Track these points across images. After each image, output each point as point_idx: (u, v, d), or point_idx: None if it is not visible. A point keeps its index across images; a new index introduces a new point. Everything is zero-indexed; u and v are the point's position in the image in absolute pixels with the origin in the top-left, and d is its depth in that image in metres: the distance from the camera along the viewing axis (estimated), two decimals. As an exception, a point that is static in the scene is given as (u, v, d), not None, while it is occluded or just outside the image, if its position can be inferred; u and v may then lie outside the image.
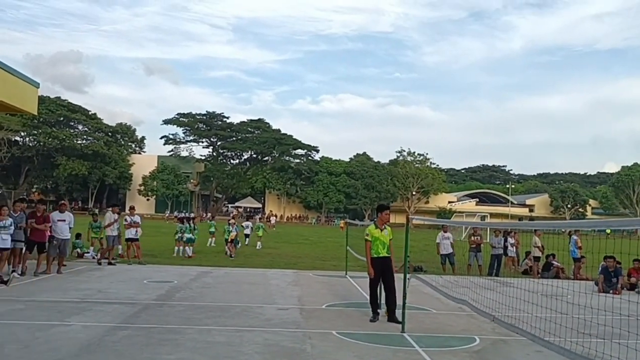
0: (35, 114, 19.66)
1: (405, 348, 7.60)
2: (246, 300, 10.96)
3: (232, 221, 22.40)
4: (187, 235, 20.17)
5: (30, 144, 78.68)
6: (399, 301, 8.90)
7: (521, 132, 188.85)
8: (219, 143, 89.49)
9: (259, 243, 26.48)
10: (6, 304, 9.56)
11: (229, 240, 21.33)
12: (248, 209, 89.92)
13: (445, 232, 18.44)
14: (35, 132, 76.72)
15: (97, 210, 29.68)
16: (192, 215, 30.85)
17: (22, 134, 77.36)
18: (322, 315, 9.88)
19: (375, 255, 9.50)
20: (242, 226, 27.57)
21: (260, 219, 34.67)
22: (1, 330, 7.59)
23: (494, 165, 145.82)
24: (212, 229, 26.64)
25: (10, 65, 16.33)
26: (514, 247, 19.55)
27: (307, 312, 9.99)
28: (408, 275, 8.78)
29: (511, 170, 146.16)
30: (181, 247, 20.42)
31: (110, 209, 17.90)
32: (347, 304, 11.14)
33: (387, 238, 9.56)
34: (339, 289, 13.23)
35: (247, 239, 27.73)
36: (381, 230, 9.59)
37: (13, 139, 75.27)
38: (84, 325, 8.14)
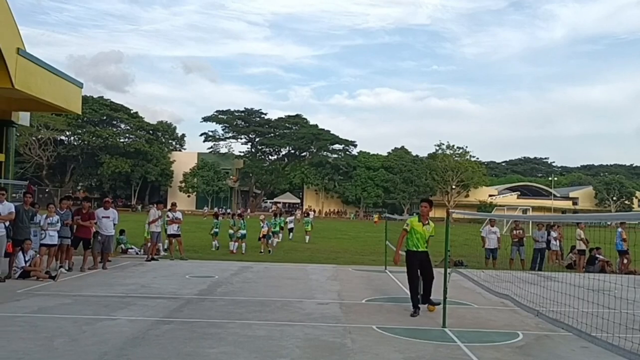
0: (80, 113, 20.19)
1: (447, 343, 7.52)
2: (286, 295, 11.02)
3: (262, 217, 22.61)
4: (242, 232, 20.41)
5: (75, 143, 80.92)
6: (439, 295, 8.80)
7: (563, 123, 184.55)
8: (257, 139, 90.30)
9: (307, 237, 27.82)
10: (54, 299, 9.85)
11: (260, 236, 21.26)
12: (287, 205, 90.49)
13: (492, 226, 18.16)
14: (80, 131, 78.87)
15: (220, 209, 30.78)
16: (241, 211, 31.36)
17: (67, 133, 79.66)
18: (362, 309, 9.87)
19: (414, 249, 9.43)
20: (287, 221, 28.59)
21: (303, 214, 35.19)
22: (50, 324, 7.82)
23: (535, 158, 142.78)
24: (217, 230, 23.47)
25: (55, 67, 16.79)
26: (558, 241, 19.12)
27: (346, 307, 9.99)
28: (449, 270, 8.68)
29: (554, 162, 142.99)
30: (215, 242, 21.34)
31: (154, 205, 18.25)
32: (387, 298, 11.09)
33: (429, 233, 9.48)
34: (379, 284, 13.19)
35: (291, 234, 28.59)
36: (423, 224, 9.48)
37: (59, 139, 77.54)
38: (129, 319, 8.33)
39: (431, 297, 9.41)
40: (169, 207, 19.37)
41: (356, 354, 6.80)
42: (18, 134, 42.85)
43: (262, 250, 20.69)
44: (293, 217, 31.32)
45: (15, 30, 14.52)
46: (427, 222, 9.57)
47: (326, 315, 9.19)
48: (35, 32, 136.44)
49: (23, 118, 19.91)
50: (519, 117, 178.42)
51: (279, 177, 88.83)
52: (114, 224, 14.90)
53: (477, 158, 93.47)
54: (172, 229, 17.68)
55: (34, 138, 71.83)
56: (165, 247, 18.96)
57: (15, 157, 22.89)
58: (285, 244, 25.34)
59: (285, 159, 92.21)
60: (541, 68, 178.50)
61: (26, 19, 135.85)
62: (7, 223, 11.83)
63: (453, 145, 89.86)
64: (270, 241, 21.52)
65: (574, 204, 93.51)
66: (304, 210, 76.57)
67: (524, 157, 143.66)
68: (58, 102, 17.00)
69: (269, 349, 6.86)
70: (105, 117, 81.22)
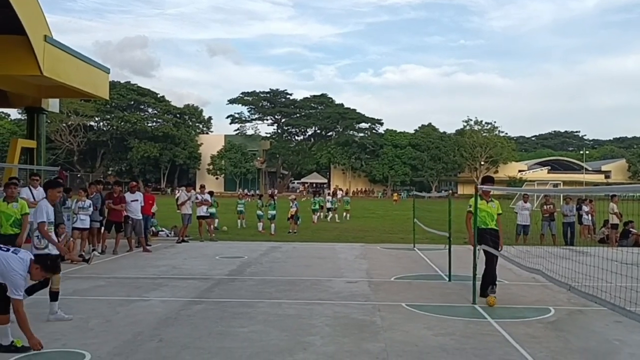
0: (107, 98, 20.42)
1: (477, 319, 7.48)
2: (315, 274, 11.08)
3: (292, 197, 22.72)
4: (272, 212, 20.59)
5: (104, 129, 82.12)
6: (466, 272, 8.72)
7: (595, 95, 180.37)
8: (283, 120, 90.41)
9: (348, 214, 29.22)
10: (88, 281, 10.08)
11: (289, 216, 21.41)
12: (314, 185, 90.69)
13: (525, 202, 17.89)
14: (108, 116, 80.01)
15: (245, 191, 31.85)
16: (271, 192, 31.93)
17: (96, 119, 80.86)
18: (391, 287, 9.87)
19: (484, 226, 8.91)
20: (327, 201, 29.88)
21: (331, 193, 35.80)
22: (85, 306, 8.01)
23: (566, 131, 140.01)
24: (241, 208, 23.88)
25: (82, 53, 16.96)
26: (589, 215, 18.79)
27: (375, 285, 10.00)
28: (478, 247, 8.59)
29: (585, 135, 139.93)
30: (242, 221, 22.10)
31: (183, 188, 18.45)
32: (416, 276, 11.07)
33: (495, 211, 9.01)
34: (407, 262, 13.16)
35: (330, 212, 29.05)
36: (487, 202, 9.13)
37: (88, 124, 78.75)
38: (161, 300, 8.48)
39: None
40: (197, 189, 19.60)
41: (386, 331, 6.81)
42: (48, 121, 43.68)
43: (290, 230, 20.82)
44: (333, 197, 32.14)
45: (43, 18, 14.69)
46: (490, 199, 9.12)
47: (355, 293, 9.22)
48: (62, 20, 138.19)
49: (53, 105, 20.23)
50: (549, 91, 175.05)
51: (306, 157, 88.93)
52: (142, 207, 15.10)
53: (506, 133, 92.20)
54: (202, 210, 17.87)
55: (64, 124, 73.09)
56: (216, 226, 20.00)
57: (47, 143, 23.35)
58: (315, 224, 25.44)
59: (312, 139, 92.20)
60: (572, 39, 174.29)
61: (53, 7, 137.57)
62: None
63: (481, 121, 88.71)
64: (328, 218, 21.61)
65: (607, 177, 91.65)
66: (332, 190, 76.69)
67: (555, 131, 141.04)
68: (86, 88, 17.22)
69: (299, 327, 6.91)
70: (132, 102, 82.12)
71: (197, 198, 18.12)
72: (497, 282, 8.81)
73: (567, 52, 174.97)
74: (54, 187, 7.51)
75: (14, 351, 5.75)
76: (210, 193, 20.83)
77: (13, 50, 14.10)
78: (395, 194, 66.77)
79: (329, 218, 28.50)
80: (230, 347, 6.06)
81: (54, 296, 7.10)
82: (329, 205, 29.20)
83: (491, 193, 9.30)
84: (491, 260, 8.74)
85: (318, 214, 27.14)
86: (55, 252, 7.16)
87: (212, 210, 19.52)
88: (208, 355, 5.81)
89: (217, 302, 8.44)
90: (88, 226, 13.51)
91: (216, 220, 20.57)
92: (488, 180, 9.60)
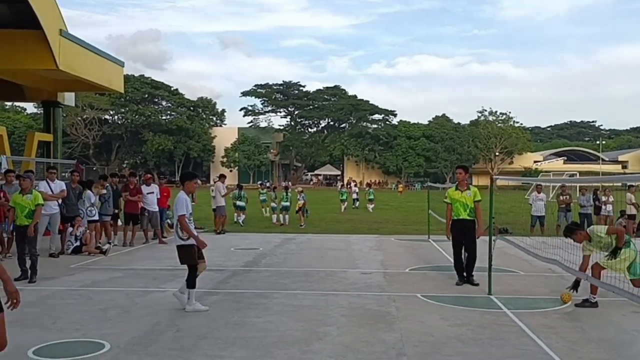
0: (122, 92, 20.57)
1: (493, 310, 7.47)
2: (330, 265, 11.11)
3: (299, 189, 22.68)
4: (285, 204, 20.66)
5: (119, 122, 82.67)
6: (484, 264, 8.71)
7: (611, 84, 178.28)
8: (296, 112, 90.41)
9: (371, 206, 29.90)
10: (106, 273, 10.19)
11: (297, 209, 20.88)
12: (328, 177, 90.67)
13: (538, 192, 17.78)
14: (123, 110, 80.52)
15: (263, 182, 32.64)
16: (285, 184, 32.37)
17: (111, 112, 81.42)
18: (406, 278, 9.87)
19: (455, 217, 9.31)
20: (354, 192, 31.96)
21: (344, 185, 36.45)
22: (104, 297, 8.11)
23: (582, 121, 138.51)
24: (264, 198, 24.44)
25: (96, 47, 17.06)
26: (607, 206, 18.60)
27: (390, 276, 10.01)
28: (494, 237, 8.57)
29: (601, 125, 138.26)
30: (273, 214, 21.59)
31: (218, 179, 18.39)
32: (431, 267, 11.06)
33: (470, 200, 9.24)
34: (422, 253, 13.15)
35: (357, 202, 31.52)
36: (462, 191, 9.34)
37: (103, 118, 79.33)
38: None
39: (472, 275, 9.17)
40: (211, 181, 19.68)
41: (401, 321, 6.83)
42: (64, 115, 44.04)
43: (302, 224, 20.28)
44: (356, 188, 34.02)
45: (58, 13, 14.80)
46: (465, 188, 9.40)
47: (370, 284, 9.24)
48: (76, 14, 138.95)
49: (68, 99, 20.39)
50: (564, 80, 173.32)
51: (319, 149, 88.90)
52: (157, 199, 15.17)
53: (521, 124, 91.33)
54: (222, 202, 17.93)
55: (79, 118, 73.68)
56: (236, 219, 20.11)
57: (63, 137, 23.57)
58: (328, 216, 25.50)
59: (325, 131, 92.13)
60: (587, 28, 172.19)
61: (67, 1, 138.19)
62: (60, 201, 12.24)
63: (496, 111, 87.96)
64: (307, 214, 21.26)
65: (624, 167, 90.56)
66: (345, 182, 76.62)
67: (570, 121, 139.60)
68: (101, 82, 17.34)
69: (315, 318, 6.95)
70: (146, 95, 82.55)
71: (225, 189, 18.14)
72: (464, 275, 9.24)
73: (582, 41, 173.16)
74: (191, 179, 7.65)
75: None
76: (240, 187, 21.17)
77: (29, 45, 14.24)
78: (400, 185, 66.45)
79: (355, 205, 30.96)
80: (247, 337, 6.11)
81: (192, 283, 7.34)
82: (354, 196, 31.61)
83: (465, 182, 9.50)
84: (456, 251, 9.33)
85: (345, 204, 29.60)
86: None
87: (242, 203, 20.42)
88: (225, 345, 5.86)
89: (233, 292, 8.51)
90: (97, 218, 13.42)
91: (242, 215, 20.70)
92: (461, 168, 9.80)
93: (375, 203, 30.92)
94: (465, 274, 9.27)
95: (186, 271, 7.42)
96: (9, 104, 74.55)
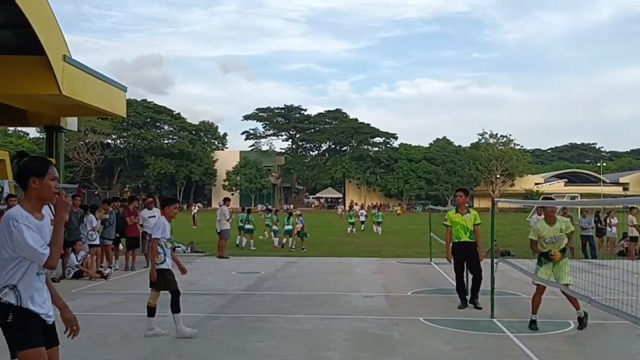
0: (125, 116, 20.68)
1: (496, 334, 7.42)
2: (332, 289, 11.06)
3: (297, 212, 22.65)
4: (288, 227, 20.60)
5: (121, 146, 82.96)
6: (487, 287, 8.69)
7: (611, 106, 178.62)
8: (297, 135, 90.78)
9: (379, 228, 30.50)
10: (107, 297, 10.15)
11: (296, 232, 20.58)
12: (329, 200, 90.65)
13: (539, 215, 17.77)
14: (125, 134, 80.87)
15: (260, 206, 32.87)
16: (291, 208, 32.75)
17: (113, 136, 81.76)
18: (408, 302, 9.82)
19: (455, 240, 9.31)
20: (361, 214, 33.12)
21: (352, 208, 37.05)
22: (104, 322, 8.07)
23: (582, 144, 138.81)
24: (268, 222, 24.25)
25: (99, 72, 17.21)
26: (613, 228, 18.57)
27: (392, 300, 9.96)
28: (496, 260, 8.55)
29: (602, 147, 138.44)
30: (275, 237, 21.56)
31: (223, 203, 18.37)
32: (433, 290, 11.01)
33: (470, 222, 9.26)
34: (424, 276, 13.09)
35: (363, 225, 32.43)
36: (462, 214, 9.36)
37: (105, 142, 79.64)
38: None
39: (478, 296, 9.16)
40: (213, 205, 19.69)
41: (403, 345, 6.78)
42: (67, 139, 44.31)
43: (303, 247, 20.13)
44: (364, 210, 35.79)
45: (61, 38, 14.96)
46: (465, 211, 9.41)
47: (372, 308, 9.19)
48: (79, 39, 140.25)
49: (71, 123, 20.49)
50: (564, 103, 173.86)
51: (321, 172, 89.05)
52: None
53: (522, 146, 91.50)
54: (227, 225, 17.94)
55: (81, 142, 73.97)
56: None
57: (65, 161, 23.67)
58: (330, 239, 25.44)
59: (326, 154, 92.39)
60: (587, 51, 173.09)
61: (71, 27, 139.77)
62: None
63: (496, 134, 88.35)
64: (305, 238, 21.08)
65: (625, 189, 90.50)
66: (348, 205, 76.57)
67: (571, 144, 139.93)
68: (104, 107, 17.45)
69: (317, 342, 6.90)
70: (149, 120, 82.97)
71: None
72: (467, 298, 9.27)
73: (583, 64, 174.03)
74: (170, 204, 7.68)
75: None
76: (248, 210, 21.28)
77: (33, 70, 14.36)
78: (399, 208, 66.37)
79: (362, 228, 31.86)
80: (249, 362, 6.07)
81: (152, 312, 7.30)
82: (362, 218, 32.58)
83: (466, 205, 9.55)
84: (458, 274, 9.36)
85: (353, 227, 30.25)
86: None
87: (250, 226, 20.75)
88: (226, 370, 5.82)
89: (235, 317, 8.47)
90: (98, 243, 13.45)
91: (251, 240, 20.88)
92: (462, 191, 9.85)
93: (383, 226, 31.33)
94: (470, 296, 9.26)
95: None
96: (11, 128, 74.93)
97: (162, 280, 7.31)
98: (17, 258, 3.38)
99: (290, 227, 20.55)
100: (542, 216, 13.49)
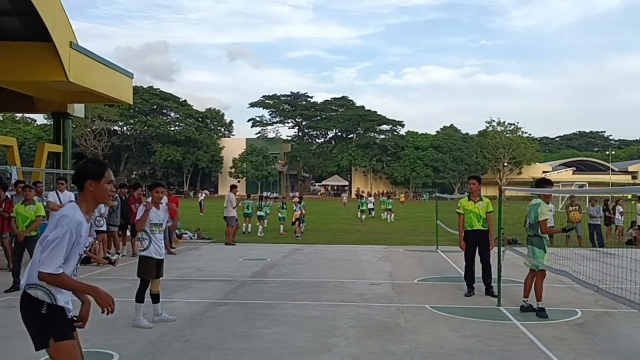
0: (131, 103, 20.73)
1: (503, 322, 7.41)
2: (338, 276, 11.08)
3: (295, 199, 22.66)
4: (281, 215, 21.16)
5: (128, 133, 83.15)
6: (493, 275, 8.70)
7: (621, 94, 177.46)
8: (304, 123, 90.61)
9: (390, 215, 31.20)
10: (115, 283, 10.22)
11: (294, 220, 20.59)
12: (335, 187, 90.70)
13: (547, 203, 17.70)
14: (132, 121, 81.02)
15: (265, 194, 32.97)
16: (299, 195, 32.94)
17: (120, 123, 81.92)
18: (415, 289, 9.83)
19: (468, 228, 9.29)
20: (369, 201, 33.72)
21: (363, 196, 37.26)
22: (112, 307, 8.11)
23: (591, 132, 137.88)
24: (262, 213, 22.82)
25: (106, 59, 17.20)
26: (622, 216, 18.49)
27: (399, 287, 9.97)
28: (503, 248, 8.53)
29: (610, 135, 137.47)
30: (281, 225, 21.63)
31: (231, 191, 18.43)
32: (440, 278, 11.01)
33: (483, 210, 9.24)
34: (431, 264, 13.09)
35: (372, 212, 33.43)
36: (475, 202, 9.33)
37: (112, 129, 79.82)
38: (186, 302, 8.56)
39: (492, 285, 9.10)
40: (221, 191, 19.73)
41: (410, 333, 6.79)
42: (74, 126, 44.43)
43: (297, 235, 19.89)
44: (372, 198, 36.97)
45: (68, 25, 14.94)
46: (478, 199, 9.39)
47: (378, 295, 9.20)
48: (85, 26, 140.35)
49: (78, 110, 20.53)
50: (573, 90, 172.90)
51: (327, 159, 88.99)
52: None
53: (530, 134, 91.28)
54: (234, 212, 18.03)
55: (88, 129, 74.19)
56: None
57: (72, 148, 23.73)
58: (336, 226, 25.48)
59: (333, 142, 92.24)
60: (596, 38, 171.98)
61: (77, 13, 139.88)
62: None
63: (504, 122, 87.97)
64: (302, 224, 21.01)
65: (634, 177, 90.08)
66: (354, 192, 76.56)
67: (579, 132, 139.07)
68: (110, 93, 17.47)
69: (323, 329, 6.92)
70: (155, 107, 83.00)
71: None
72: (474, 286, 9.25)
73: (592, 51, 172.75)
74: (152, 188, 7.63)
75: None
76: (260, 198, 21.55)
77: (40, 57, 14.39)
78: (402, 196, 66.30)
79: (371, 215, 32.57)
80: (255, 348, 6.10)
81: (155, 298, 7.29)
82: (370, 205, 33.19)
83: (474, 191, 9.50)
84: (468, 262, 9.30)
85: (364, 214, 30.64)
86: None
87: (262, 213, 21.48)
88: (233, 356, 5.85)
89: (241, 303, 8.50)
90: (105, 229, 13.49)
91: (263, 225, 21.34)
92: (470, 177, 9.92)
93: (394, 213, 31.95)
94: (485, 287, 9.23)
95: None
96: (19, 115, 75.24)
97: (139, 267, 7.27)
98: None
99: (281, 215, 21.38)
100: (550, 204, 13.45)
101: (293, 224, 20.61)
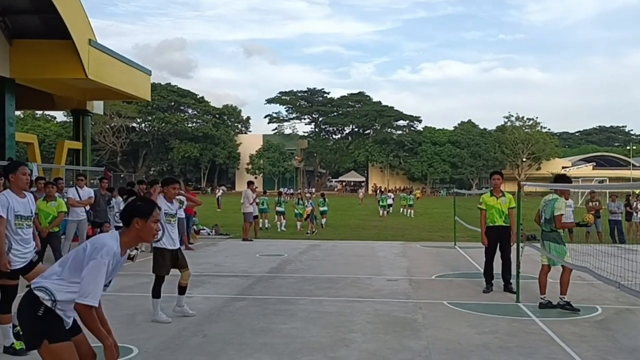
0: (149, 100, 20.87)
1: (521, 318, 7.36)
2: (355, 272, 11.07)
3: (307, 195, 22.69)
4: (322, 208, 21.52)
5: (146, 130, 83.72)
6: (513, 271, 8.63)
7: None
8: (320, 119, 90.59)
9: (411, 211, 31.21)
10: (134, 278, 10.31)
11: (305, 216, 20.63)
12: (352, 183, 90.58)
13: (566, 199, 17.51)
14: (150, 118, 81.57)
15: (283, 190, 33.07)
16: (315, 191, 33.00)
17: (138, 120, 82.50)
18: (432, 285, 9.79)
19: (490, 224, 9.18)
20: (389, 197, 33.29)
21: (383, 192, 38.20)
22: (131, 302, 8.20)
23: (611, 126, 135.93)
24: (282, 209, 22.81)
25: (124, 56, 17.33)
26: (639, 212, 18.22)
27: (416, 283, 9.94)
28: (521, 244, 8.46)
29: (632, 130, 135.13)
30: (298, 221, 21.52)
31: (248, 187, 18.51)
32: (458, 274, 10.95)
33: (506, 206, 9.14)
34: (448, 260, 13.02)
35: (391, 208, 32.85)
36: (497, 198, 9.24)
37: (130, 126, 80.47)
38: (204, 297, 8.62)
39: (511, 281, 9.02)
40: (237, 188, 19.80)
41: (427, 329, 6.76)
42: (93, 123, 44.91)
43: (308, 231, 20.00)
44: (392, 194, 37.01)
45: (87, 23, 15.08)
46: (500, 194, 9.30)
47: (396, 291, 9.18)
48: (104, 24, 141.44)
49: (97, 107, 20.72)
50: (593, 85, 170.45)
51: (343, 155, 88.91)
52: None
53: (549, 129, 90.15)
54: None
55: (107, 126, 74.83)
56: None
57: (92, 144, 24.01)
58: (353, 222, 25.46)
59: (349, 138, 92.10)
60: (616, 32, 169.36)
61: (96, 11, 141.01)
62: (87, 207, 12.44)
63: (523, 117, 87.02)
64: (315, 221, 20.95)
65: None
66: (371, 188, 76.39)
67: (599, 126, 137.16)
68: (129, 90, 17.61)
69: (340, 325, 6.92)
70: (173, 103, 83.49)
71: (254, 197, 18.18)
72: (493, 282, 9.19)
73: (611, 44, 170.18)
74: (167, 184, 7.64)
75: (12, 353, 5.61)
76: (280, 194, 21.68)
77: (59, 55, 14.54)
78: (418, 191, 66.05)
79: (389, 210, 32.32)
80: (273, 344, 6.12)
81: (182, 290, 7.35)
82: (390, 201, 32.82)
83: (497, 187, 9.37)
84: (488, 258, 9.21)
85: (384, 210, 31.22)
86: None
87: (282, 208, 21.34)
88: (251, 351, 5.88)
89: (259, 299, 8.53)
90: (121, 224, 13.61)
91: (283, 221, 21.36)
92: (493, 173, 9.72)
93: (414, 209, 32.12)
94: (503, 283, 9.17)
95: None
96: (39, 112, 76.11)
97: (154, 262, 7.30)
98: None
99: (325, 208, 21.61)
100: (570, 200, 13.35)
101: (306, 219, 20.68)
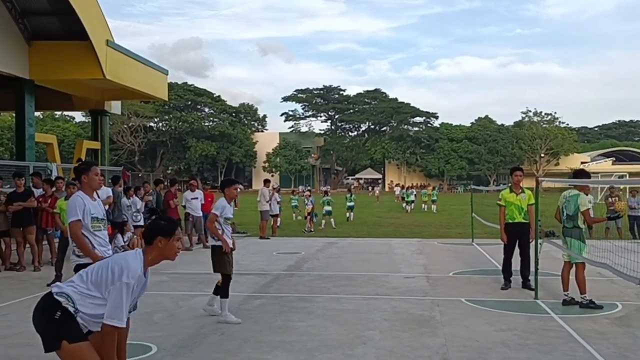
0: (166, 99, 21.03)
1: (540, 315, 7.30)
2: (372, 269, 11.07)
3: (306, 193, 22.68)
4: (327, 208, 21.20)
5: (163, 129, 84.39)
6: (531, 267, 8.57)
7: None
8: (336, 116, 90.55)
9: (434, 206, 32.76)
10: (152, 277, 10.36)
11: (306, 214, 20.61)
12: (369, 180, 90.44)
13: (586, 194, 17.32)
14: (167, 117, 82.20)
15: (301, 188, 33.49)
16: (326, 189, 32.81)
17: (156, 119, 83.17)
18: (450, 282, 9.75)
19: (510, 221, 9.11)
20: (411, 193, 34.48)
21: (409, 188, 38.98)
22: (150, 300, 8.27)
23: (631, 121, 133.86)
24: (295, 204, 24.72)
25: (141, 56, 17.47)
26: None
27: (433, 280, 9.90)
28: (540, 241, 8.39)
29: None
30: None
31: (265, 185, 18.58)
32: (475, 271, 10.89)
33: (525, 203, 9.06)
34: (466, 257, 12.96)
35: (413, 204, 33.61)
36: (517, 194, 9.16)
37: (148, 125, 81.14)
38: (221, 295, 8.65)
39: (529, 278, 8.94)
40: (253, 186, 19.87)
41: (445, 326, 6.74)
42: (111, 123, 45.34)
43: (305, 229, 19.87)
44: (414, 190, 38.39)
45: (104, 24, 15.23)
46: (520, 191, 9.22)
47: (413, 288, 9.16)
48: (121, 24, 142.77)
49: (115, 107, 20.91)
50: (612, 79, 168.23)
51: (360, 153, 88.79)
52: (202, 205, 15.38)
53: (567, 124, 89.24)
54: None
55: (125, 126, 75.52)
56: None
57: (110, 144, 24.25)
58: (370, 219, 25.44)
59: (366, 135, 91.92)
60: (636, 25, 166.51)
61: (113, 12, 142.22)
62: (107, 207, 12.55)
63: (541, 112, 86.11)
64: (315, 219, 20.66)
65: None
66: (387, 185, 76.14)
67: (619, 121, 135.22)
68: (146, 90, 17.76)
69: (358, 322, 6.93)
70: (189, 102, 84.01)
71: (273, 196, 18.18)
72: (511, 279, 9.10)
73: (630, 38, 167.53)
74: (230, 186, 7.65)
75: None
76: (294, 192, 21.79)
77: (77, 56, 14.71)
78: (430, 188, 65.75)
79: (412, 207, 33.21)
80: (290, 341, 6.14)
81: (217, 290, 7.36)
82: (412, 197, 33.82)
83: (518, 183, 9.32)
84: (507, 255, 9.16)
85: (409, 206, 32.69)
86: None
87: (295, 203, 22.46)
88: (269, 348, 5.91)
89: (276, 296, 8.57)
90: (142, 224, 13.69)
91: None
92: (514, 169, 9.65)
93: (437, 205, 33.40)
94: (522, 279, 9.12)
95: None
96: (58, 113, 77.03)
97: (217, 262, 7.31)
98: (103, 300, 3.53)
99: (329, 208, 20.93)
100: (590, 196, 13.20)
101: (305, 217, 20.71)
